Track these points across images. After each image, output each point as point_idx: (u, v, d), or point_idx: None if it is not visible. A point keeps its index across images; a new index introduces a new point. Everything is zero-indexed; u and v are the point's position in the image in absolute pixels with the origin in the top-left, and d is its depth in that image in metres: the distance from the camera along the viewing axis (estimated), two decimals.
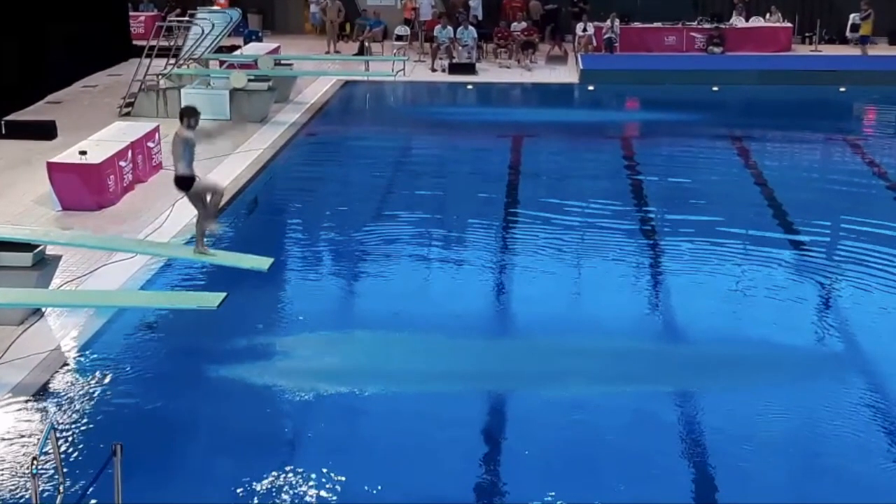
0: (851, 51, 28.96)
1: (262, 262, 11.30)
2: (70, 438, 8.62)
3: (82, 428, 8.83)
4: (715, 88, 24.43)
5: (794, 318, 11.50)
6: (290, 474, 8.21)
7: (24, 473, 7.94)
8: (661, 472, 8.44)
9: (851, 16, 29.59)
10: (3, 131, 18.26)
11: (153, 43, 21.28)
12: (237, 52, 24.71)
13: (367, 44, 28.30)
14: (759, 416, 9.27)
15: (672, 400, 9.75)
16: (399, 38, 28.93)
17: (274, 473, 8.19)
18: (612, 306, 11.79)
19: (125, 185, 15.16)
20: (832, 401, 9.58)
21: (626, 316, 11.52)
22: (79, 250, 12.39)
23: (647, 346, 10.89)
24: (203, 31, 20.92)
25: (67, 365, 9.99)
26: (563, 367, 10.32)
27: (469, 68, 26.46)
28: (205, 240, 11.16)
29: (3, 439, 8.60)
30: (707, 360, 10.66)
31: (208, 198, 11.14)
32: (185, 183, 10.99)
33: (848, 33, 29.55)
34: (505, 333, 11.54)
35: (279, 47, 25.93)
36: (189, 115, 10.96)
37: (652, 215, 15.11)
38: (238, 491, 7.97)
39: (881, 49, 29.39)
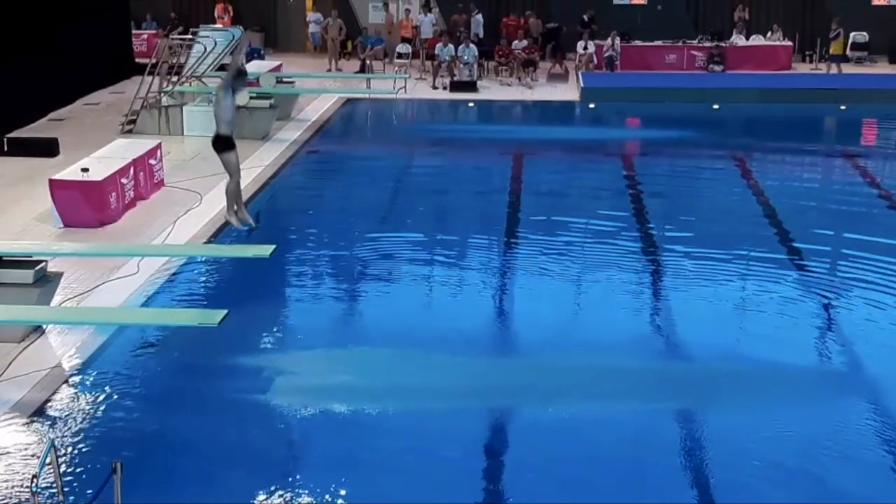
0: (852, 69, 29.01)
1: (264, 250, 11.28)
2: (70, 456, 8.61)
3: (82, 446, 8.82)
4: (715, 106, 24.48)
5: (798, 334, 11.50)
6: (291, 492, 8.20)
7: (24, 491, 7.93)
8: (663, 491, 8.43)
9: (852, 34, 29.68)
10: (6, 148, 18.29)
11: (155, 61, 21.34)
12: None
13: (368, 61, 28.38)
14: (763, 434, 9.25)
15: (675, 418, 9.74)
16: (400, 55, 29.00)
17: (275, 491, 8.18)
18: (613, 323, 11.78)
19: (126, 202, 15.19)
20: (837, 418, 9.57)
21: (628, 333, 11.51)
22: (80, 267, 12.42)
23: (650, 364, 10.87)
24: (205, 49, 20.97)
25: (68, 382, 9.99)
26: (565, 384, 10.31)
27: (470, 86, 26.52)
28: (235, 207, 11.25)
29: (4, 457, 8.59)
30: (710, 378, 10.63)
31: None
32: (218, 141, 11.12)
33: (848, 52, 29.64)
34: (506, 350, 11.52)
35: (281, 65, 25.99)
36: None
37: (653, 232, 15.12)
38: None
39: (881, 67, 29.45)
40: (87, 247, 12.87)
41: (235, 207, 11.65)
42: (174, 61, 21.88)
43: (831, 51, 28.39)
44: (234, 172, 11.54)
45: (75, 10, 22.37)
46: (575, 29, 29.27)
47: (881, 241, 14.40)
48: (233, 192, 11.24)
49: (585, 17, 29.59)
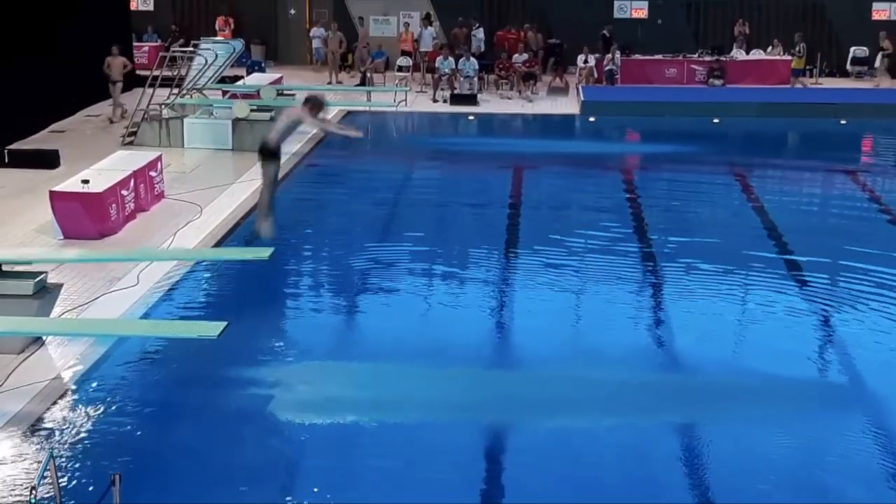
0: (852, 84, 29.06)
1: (263, 252, 11.16)
2: (69, 468, 8.59)
3: (81, 458, 8.80)
4: (716, 120, 24.51)
5: (799, 347, 11.48)
6: None
7: (23, 503, 7.91)
8: None
9: (852, 49, 29.75)
10: (7, 160, 18.31)
11: (157, 73, 21.39)
12: (240, 83, 24.82)
13: (369, 74, 28.43)
14: (764, 447, 9.23)
15: (674, 431, 9.73)
16: (401, 68, 29.06)
17: None
18: (613, 336, 11.77)
19: (127, 214, 15.19)
20: (839, 432, 9.56)
21: (628, 345, 11.50)
22: (80, 279, 12.42)
23: (650, 377, 10.85)
24: (206, 61, 21.02)
25: (67, 394, 9.97)
26: (564, 398, 10.29)
27: (470, 99, 26.56)
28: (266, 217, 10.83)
29: (2, 468, 8.57)
30: (710, 391, 10.61)
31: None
32: (266, 151, 10.74)
33: (848, 66, 29.71)
34: (505, 363, 11.51)
35: (282, 78, 26.05)
36: (315, 105, 10.71)
37: (653, 245, 15.12)
38: None
39: (882, 82, 29.47)
40: (87, 253, 12.86)
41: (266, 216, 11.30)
42: (175, 73, 21.96)
43: (793, 65, 28.51)
44: (267, 185, 11.14)
45: (77, 21, 22.44)
46: (577, 45, 29.28)
47: (881, 255, 14.40)
48: (262, 202, 10.98)
49: (606, 33, 29.63)
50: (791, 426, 9.73)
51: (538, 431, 9.67)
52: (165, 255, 13.32)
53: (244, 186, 17.52)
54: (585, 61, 28.83)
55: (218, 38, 27.48)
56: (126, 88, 22.98)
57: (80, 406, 9.73)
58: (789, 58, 29.67)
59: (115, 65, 22.45)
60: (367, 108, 25.56)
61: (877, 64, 29.20)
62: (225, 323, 9.58)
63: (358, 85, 27.93)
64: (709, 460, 9.09)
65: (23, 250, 12.52)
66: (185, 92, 21.53)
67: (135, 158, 16.47)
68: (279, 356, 11.24)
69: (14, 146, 19.12)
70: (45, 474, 7.23)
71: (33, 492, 6.61)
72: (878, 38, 29.18)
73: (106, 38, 24.30)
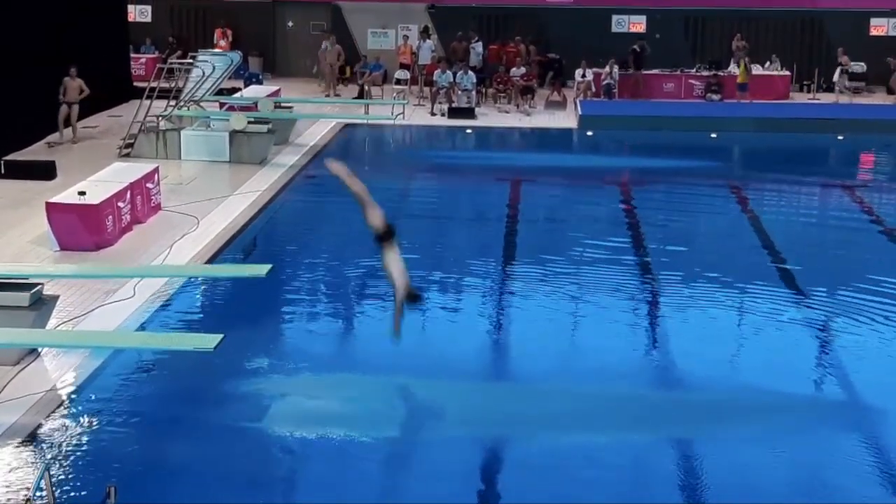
0: (848, 99, 29.10)
1: (260, 269, 11.15)
2: (64, 480, 8.54)
3: (77, 469, 8.76)
4: (713, 135, 24.52)
5: (796, 362, 11.48)
6: None
7: None
8: None
9: (850, 64, 29.79)
10: (3, 171, 18.28)
11: (154, 84, 21.36)
12: (237, 95, 24.81)
13: (366, 87, 28.43)
14: (761, 463, 9.21)
15: (670, 446, 9.70)
16: (399, 81, 29.08)
17: None
18: (611, 350, 11.74)
19: (123, 225, 15.15)
20: (836, 447, 9.55)
21: (624, 360, 11.48)
22: (76, 291, 12.38)
23: (646, 392, 10.85)
24: (204, 73, 21.01)
25: (63, 406, 9.93)
26: (562, 412, 10.27)
27: (468, 112, 26.56)
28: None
29: None
30: (708, 406, 10.60)
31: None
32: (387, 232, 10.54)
33: (846, 82, 29.72)
34: (502, 377, 11.50)
35: (279, 90, 26.04)
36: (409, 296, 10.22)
37: (650, 260, 15.11)
38: None
39: (879, 98, 29.55)
40: (84, 268, 12.84)
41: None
42: (172, 85, 21.94)
43: (739, 80, 28.55)
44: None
45: (74, 33, 22.42)
46: (575, 60, 29.28)
47: (878, 269, 14.39)
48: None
49: (637, 48, 29.56)
50: (790, 442, 9.70)
51: (535, 446, 9.62)
52: (161, 271, 13.27)
53: (241, 198, 17.49)
54: (583, 75, 28.85)
55: (216, 49, 27.50)
56: (82, 114, 22.03)
57: (76, 418, 9.69)
58: (787, 73, 29.73)
59: (72, 87, 21.43)
60: (365, 121, 25.55)
61: (835, 79, 29.17)
62: (221, 335, 9.55)
63: (356, 98, 27.91)
64: (706, 476, 9.06)
65: (18, 266, 12.46)
66: (182, 104, 21.51)
67: (131, 170, 16.44)
68: (276, 368, 11.20)
69: (10, 157, 19.08)
70: (41, 486, 7.18)
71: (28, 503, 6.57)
72: (878, 53, 29.25)
73: (104, 50, 24.34)
